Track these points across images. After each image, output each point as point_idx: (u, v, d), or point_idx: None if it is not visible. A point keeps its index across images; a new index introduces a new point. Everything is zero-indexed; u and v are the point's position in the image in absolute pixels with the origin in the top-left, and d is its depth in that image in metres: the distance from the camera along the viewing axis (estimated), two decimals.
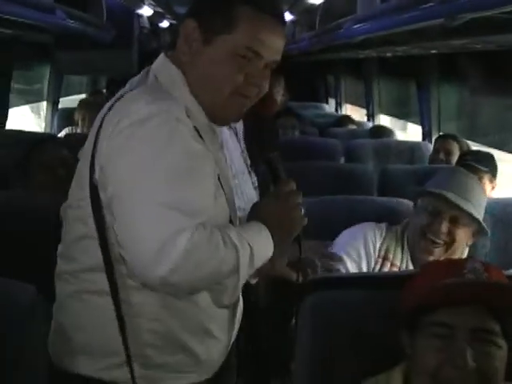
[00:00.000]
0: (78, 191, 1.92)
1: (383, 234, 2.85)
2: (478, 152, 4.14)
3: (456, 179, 2.81)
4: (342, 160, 5.58)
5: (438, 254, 2.71)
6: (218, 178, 1.92)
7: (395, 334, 1.88)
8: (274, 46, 1.92)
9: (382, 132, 6.72)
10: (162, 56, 1.99)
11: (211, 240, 1.76)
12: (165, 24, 13.14)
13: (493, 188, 3.94)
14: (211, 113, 1.95)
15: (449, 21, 2.42)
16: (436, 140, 5.31)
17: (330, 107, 11.14)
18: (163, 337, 1.91)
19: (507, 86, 4.73)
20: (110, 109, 1.88)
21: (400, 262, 2.79)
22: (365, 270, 2.75)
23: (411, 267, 2.77)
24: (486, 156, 4.04)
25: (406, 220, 2.89)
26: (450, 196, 2.70)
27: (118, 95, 1.93)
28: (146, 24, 9.69)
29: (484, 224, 2.75)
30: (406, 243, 2.81)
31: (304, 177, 4.02)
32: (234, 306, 2.07)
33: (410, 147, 5.72)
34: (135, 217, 1.73)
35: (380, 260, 2.80)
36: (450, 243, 2.71)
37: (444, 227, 2.71)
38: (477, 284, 1.77)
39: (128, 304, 1.88)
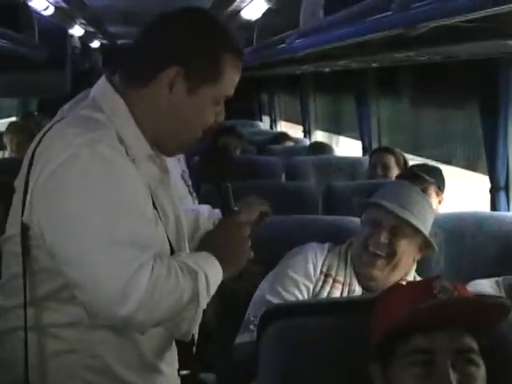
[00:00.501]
0: (12, 226, 1.87)
1: (325, 253, 2.76)
2: (424, 165, 4.09)
3: (398, 191, 2.75)
4: (283, 178, 5.51)
5: (380, 266, 2.62)
6: (154, 207, 1.89)
7: (361, 358, 1.77)
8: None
9: (321, 148, 6.68)
10: (103, 81, 1.94)
11: (170, 270, 1.74)
12: (95, 44, 13.00)
13: (440, 202, 3.87)
14: (167, 147, 1.97)
15: (408, 31, 2.35)
16: (371, 154, 5.23)
17: (264, 124, 11.13)
18: (100, 372, 1.87)
19: (449, 98, 4.71)
20: (39, 142, 1.83)
21: (344, 278, 2.69)
22: (305, 291, 2.66)
23: (356, 282, 2.68)
24: (433, 168, 4.00)
25: (350, 239, 2.80)
26: (388, 205, 2.63)
27: (48, 125, 1.87)
28: (78, 44, 9.55)
29: (431, 238, 2.68)
30: (349, 259, 2.73)
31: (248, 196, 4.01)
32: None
33: (351, 163, 5.68)
34: (90, 258, 1.69)
35: (322, 277, 2.70)
36: (392, 255, 2.62)
37: (383, 238, 2.62)
38: (455, 304, 1.67)
39: (62, 340, 1.85)
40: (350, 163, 5.67)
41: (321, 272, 2.70)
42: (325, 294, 2.64)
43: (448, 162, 4.70)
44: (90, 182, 1.72)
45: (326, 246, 2.81)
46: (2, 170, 4.67)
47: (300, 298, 2.62)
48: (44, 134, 1.83)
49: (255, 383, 2.41)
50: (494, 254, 3.10)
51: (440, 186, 3.89)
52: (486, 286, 2.85)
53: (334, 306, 1.99)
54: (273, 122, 10.54)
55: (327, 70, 6.20)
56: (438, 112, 5.08)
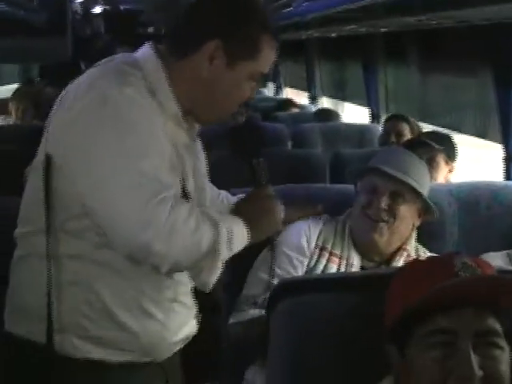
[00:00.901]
0: (39, 154, 1.97)
1: (319, 225, 2.66)
2: (433, 132, 3.96)
3: (394, 156, 2.68)
4: (289, 145, 5.42)
5: (380, 231, 2.54)
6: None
7: (375, 337, 1.68)
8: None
9: (328, 115, 6.57)
10: (147, 47, 2.04)
11: (191, 213, 1.83)
12: (97, 10, 12.82)
13: (450, 171, 3.75)
14: (201, 116, 2.06)
15: None
16: (385, 121, 5.10)
17: (269, 91, 11.00)
18: (97, 310, 1.93)
19: (460, 64, 4.59)
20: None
21: (341, 251, 2.60)
22: (299, 266, 2.57)
23: (354, 255, 2.60)
24: (442, 136, 3.86)
25: (348, 210, 2.70)
26: (389, 171, 2.56)
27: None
28: (79, 9, 9.40)
29: (431, 203, 2.60)
30: (347, 231, 2.64)
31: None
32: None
33: (359, 130, 5.60)
34: (116, 185, 1.78)
35: (317, 251, 2.60)
36: (392, 221, 2.55)
37: (383, 204, 2.54)
38: (478, 282, 1.57)
39: (65, 271, 1.92)
40: (358, 130, 5.59)
41: (316, 246, 2.61)
42: (320, 268, 2.56)
43: (458, 130, 4.59)
44: (118, 120, 1.82)
45: (322, 218, 2.72)
46: (4, 138, 4.64)
47: (294, 274, 2.54)
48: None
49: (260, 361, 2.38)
50: (510, 226, 2.99)
51: (450, 154, 3.76)
52: (496, 258, 2.76)
53: (347, 281, 1.88)
54: (278, 89, 10.42)
55: (333, 35, 6.09)
56: (447, 79, 4.96)
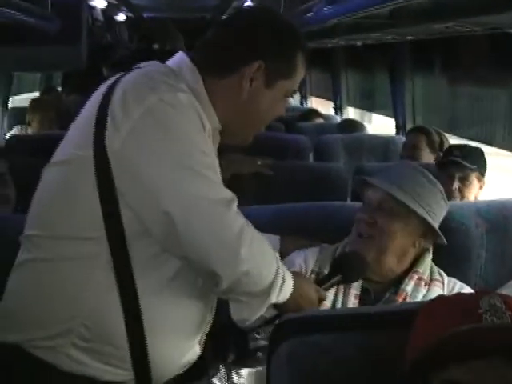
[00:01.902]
0: (66, 153, 1.93)
1: (315, 255, 2.53)
2: (465, 146, 3.69)
3: (394, 169, 2.53)
4: (311, 156, 5.23)
5: (367, 247, 2.38)
6: None
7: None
8: None
9: (352, 126, 6.33)
10: (184, 57, 2.03)
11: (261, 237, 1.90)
12: (121, 17, 12.69)
13: (481, 187, 3.56)
14: (232, 137, 2.09)
15: None
16: (406, 134, 4.96)
17: (294, 100, 10.83)
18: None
19: (490, 74, 4.37)
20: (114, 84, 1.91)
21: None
22: None
23: None
24: (474, 151, 3.62)
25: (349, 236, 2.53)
26: (370, 180, 2.45)
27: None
28: (100, 16, 9.28)
29: (430, 219, 2.39)
30: None
31: (274, 177, 3.74)
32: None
33: (384, 142, 5.39)
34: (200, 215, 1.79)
35: (313, 276, 2.45)
36: (379, 235, 2.37)
37: (369, 217, 2.39)
38: (500, 330, 1.35)
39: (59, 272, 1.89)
40: (382, 142, 5.38)
41: (312, 271, 2.47)
42: None
43: (488, 143, 4.37)
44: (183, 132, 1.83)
45: (319, 246, 2.58)
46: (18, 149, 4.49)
47: None
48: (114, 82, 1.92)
49: None
50: None
51: (482, 171, 3.56)
52: None
53: (356, 318, 1.63)
54: (303, 98, 10.25)
55: (359, 43, 5.89)
56: (477, 89, 4.74)
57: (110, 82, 1.96)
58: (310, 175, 3.98)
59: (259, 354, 2.26)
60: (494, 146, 4.31)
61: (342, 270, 2.27)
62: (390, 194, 2.38)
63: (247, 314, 1.92)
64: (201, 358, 2.11)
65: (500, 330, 1.34)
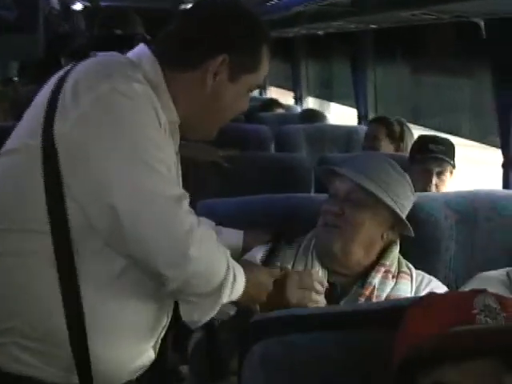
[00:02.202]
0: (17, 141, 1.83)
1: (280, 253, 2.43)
2: (442, 140, 3.57)
3: (360, 159, 2.49)
4: (273, 147, 5.15)
5: (333, 237, 2.31)
6: None
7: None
8: None
9: (313, 116, 6.28)
10: (144, 48, 1.95)
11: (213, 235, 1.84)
12: (78, 6, 12.48)
13: (450, 177, 3.51)
14: (193, 133, 2.03)
15: None
16: (369, 124, 4.92)
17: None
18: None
19: (453, 64, 4.33)
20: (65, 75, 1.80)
21: (303, 268, 2.35)
22: None
23: (319, 270, 2.35)
24: (450, 145, 3.55)
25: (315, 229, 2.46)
26: (338, 169, 2.38)
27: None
28: (56, 5, 9.09)
29: (399, 210, 2.33)
30: (311, 246, 2.41)
31: (235, 169, 3.66)
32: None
33: (346, 132, 5.32)
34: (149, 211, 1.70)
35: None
36: (345, 226, 2.31)
37: (335, 207, 2.32)
38: (498, 332, 1.28)
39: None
40: (344, 133, 5.32)
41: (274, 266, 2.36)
42: None
43: (452, 133, 4.32)
44: (133, 125, 1.73)
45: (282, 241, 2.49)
46: None
47: None
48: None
49: None
50: (511, 239, 2.70)
51: (454, 163, 3.51)
52: (493, 281, 2.49)
53: (333, 317, 1.53)
54: (262, 88, 10.16)
55: (320, 32, 5.82)
56: (442, 79, 4.70)
57: (63, 70, 1.86)
58: (272, 166, 3.91)
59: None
60: (460, 137, 4.26)
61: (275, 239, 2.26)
62: (358, 184, 2.32)
63: (198, 315, 1.85)
64: (158, 365, 2.04)
65: (497, 331, 1.27)
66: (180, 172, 2.01)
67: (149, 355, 1.98)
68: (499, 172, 3.59)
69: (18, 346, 1.78)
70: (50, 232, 1.74)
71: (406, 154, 3.86)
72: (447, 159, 3.43)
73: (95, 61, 1.87)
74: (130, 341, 1.89)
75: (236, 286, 1.86)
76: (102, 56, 1.90)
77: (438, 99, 4.74)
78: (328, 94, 7.73)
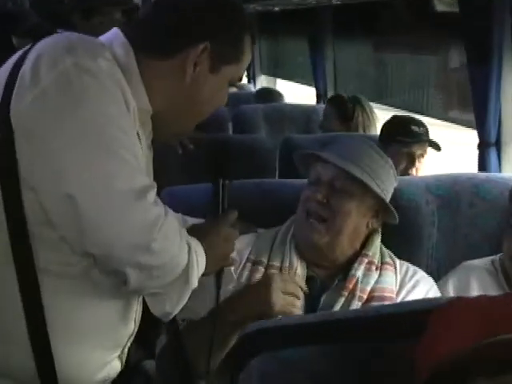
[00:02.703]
0: None
1: (251, 241, 2.29)
2: (418, 121, 3.44)
3: (344, 143, 2.35)
4: (230, 127, 4.98)
5: (319, 230, 2.16)
6: None
7: None
8: None
9: (270, 95, 6.11)
10: (118, 32, 1.77)
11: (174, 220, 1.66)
12: None
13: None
14: (165, 129, 1.84)
15: None
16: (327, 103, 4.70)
17: None
18: None
19: (416, 39, 4.19)
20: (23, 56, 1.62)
21: (281, 262, 2.20)
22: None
23: (297, 264, 2.20)
24: (424, 126, 3.41)
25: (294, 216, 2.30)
26: (323, 155, 2.22)
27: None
28: None
29: (381, 192, 2.20)
30: (289, 237, 2.25)
31: (195, 152, 3.47)
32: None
33: (305, 112, 5.18)
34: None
35: (249, 265, 2.22)
36: (333, 216, 2.16)
37: (321, 196, 2.17)
38: None
39: None
40: (303, 112, 5.17)
41: (247, 259, 2.23)
42: None
43: (418, 112, 4.18)
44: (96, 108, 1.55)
45: (253, 233, 2.34)
46: None
47: None
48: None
49: None
50: (494, 225, 2.56)
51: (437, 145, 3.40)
52: (479, 268, 2.37)
53: (334, 326, 1.36)
54: None
55: (277, 9, 5.65)
56: (404, 56, 4.56)
57: (22, 50, 1.67)
58: (232, 148, 3.72)
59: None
60: (427, 116, 4.13)
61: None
62: (345, 171, 2.17)
63: (169, 306, 1.72)
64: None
65: None
66: (151, 167, 1.86)
67: (115, 366, 1.83)
68: (469, 152, 3.47)
69: None
70: (5, 224, 1.58)
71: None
72: (433, 141, 3.32)
73: (60, 36, 1.71)
74: (94, 347, 1.73)
75: (200, 265, 1.75)
76: (68, 33, 1.74)
77: (401, 77, 4.61)
78: (282, 72, 7.56)
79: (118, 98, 1.60)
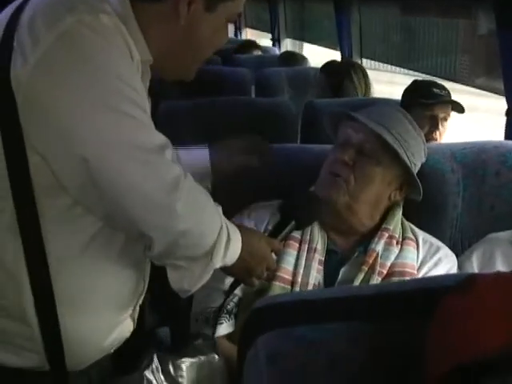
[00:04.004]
0: None
1: (268, 212, 2.24)
2: (439, 84, 3.37)
3: (379, 109, 2.24)
4: (253, 90, 4.89)
5: (338, 187, 2.11)
6: None
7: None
8: None
9: (294, 59, 5.98)
10: None
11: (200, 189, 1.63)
12: None
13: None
14: (168, 70, 1.78)
15: None
16: None
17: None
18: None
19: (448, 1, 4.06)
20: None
21: (301, 233, 2.15)
22: None
23: (319, 236, 2.15)
24: (446, 90, 3.33)
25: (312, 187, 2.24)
26: (359, 117, 2.13)
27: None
28: None
29: (412, 167, 2.15)
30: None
31: (212, 114, 3.40)
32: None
33: None
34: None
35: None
36: (355, 179, 2.10)
37: (348, 157, 2.10)
38: None
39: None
40: None
41: (264, 231, 2.16)
42: (273, 256, 2.06)
43: (445, 77, 4.08)
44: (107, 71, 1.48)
45: (276, 202, 2.27)
46: None
47: None
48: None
49: None
50: None
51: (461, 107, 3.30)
52: (504, 241, 2.31)
53: (355, 303, 1.27)
54: (237, 30, 9.88)
55: None
56: (432, 20, 4.44)
57: (17, 2, 1.58)
58: (255, 111, 3.66)
59: (199, 341, 1.93)
60: (457, 82, 4.02)
61: (294, 213, 1.98)
62: (377, 135, 2.09)
63: (188, 282, 1.67)
64: (132, 347, 1.84)
65: None
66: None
67: (127, 325, 1.80)
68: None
69: None
70: (10, 192, 1.51)
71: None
72: (456, 102, 3.23)
73: None
74: (105, 311, 1.70)
75: (231, 249, 1.69)
76: None
77: (430, 40, 4.49)
78: (307, 35, 7.44)
79: (125, 55, 1.54)
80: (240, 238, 1.73)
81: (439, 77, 4.08)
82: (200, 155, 2.15)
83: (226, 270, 1.76)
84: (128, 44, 1.55)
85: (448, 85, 3.47)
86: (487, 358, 0.99)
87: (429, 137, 3.14)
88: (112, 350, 1.78)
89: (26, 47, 1.45)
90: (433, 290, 1.20)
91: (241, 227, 1.79)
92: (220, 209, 1.69)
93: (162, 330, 2.49)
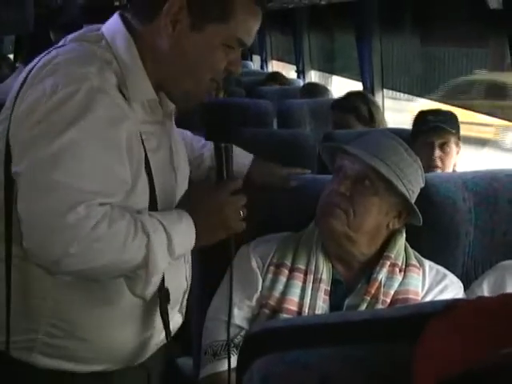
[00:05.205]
0: None
1: (274, 244, 2.26)
2: (439, 111, 3.47)
3: (372, 138, 2.27)
4: (275, 123, 4.94)
5: (337, 216, 2.12)
6: (146, 159, 1.75)
7: None
8: (254, 34, 1.84)
9: (316, 90, 6.01)
10: (116, 17, 1.82)
11: (114, 222, 1.62)
12: None
13: (457, 152, 3.33)
14: (172, 94, 1.85)
15: None
16: None
17: (254, 64, 10.60)
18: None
19: (468, 32, 4.08)
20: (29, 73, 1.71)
21: (306, 265, 2.17)
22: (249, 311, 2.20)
23: (324, 267, 2.17)
24: (450, 115, 3.39)
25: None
26: (350, 149, 2.16)
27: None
28: None
29: (406, 192, 2.16)
30: (314, 238, 2.21)
31: (237, 145, 3.42)
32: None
33: None
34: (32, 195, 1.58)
35: (272, 269, 2.19)
36: (353, 210, 2.11)
37: (344, 188, 2.12)
38: None
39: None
40: None
41: (270, 263, 2.20)
42: (280, 288, 2.15)
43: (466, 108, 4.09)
44: (63, 116, 1.59)
45: (279, 236, 2.30)
46: None
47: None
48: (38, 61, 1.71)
49: None
50: None
51: (458, 134, 3.34)
52: None
53: (347, 328, 1.30)
54: (263, 62, 9.95)
55: (323, 2, 5.58)
56: (456, 49, 4.45)
57: (29, 66, 1.75)
58: (275, 143, 3.70)
59: None
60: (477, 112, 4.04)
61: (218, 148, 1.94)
62: (372, 168, 2.11)
63: (140, 289, 1.72)
64: None
65: None
66: (168, 143, 1.90)
67: (177, 319, 1.98)
68: None
69: (47, 344, 1.77)
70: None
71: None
72: (449, 128, 3.26)
73: (52, 53, 1.73)
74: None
75: (178, 243, 1.72)
76: (69, 45, 1.77)
77: (448, 71, 4.50)
78: (331, 67, 7.47)
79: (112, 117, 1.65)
80: (187, 226, 1.76)
81: (460, 106, 4.10)
82: (243, 156, 2.34)
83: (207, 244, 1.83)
84: (118, 103, 1.68)
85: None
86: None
87: (431, 164, 3.19)
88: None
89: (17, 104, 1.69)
90: (421, 315, 1.22)
91: (193, 198, 1.85)
92: (149, 225, 1.69)
93: (185, 359, 2.55)
